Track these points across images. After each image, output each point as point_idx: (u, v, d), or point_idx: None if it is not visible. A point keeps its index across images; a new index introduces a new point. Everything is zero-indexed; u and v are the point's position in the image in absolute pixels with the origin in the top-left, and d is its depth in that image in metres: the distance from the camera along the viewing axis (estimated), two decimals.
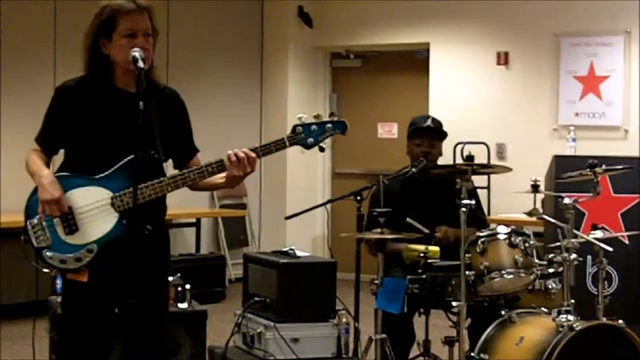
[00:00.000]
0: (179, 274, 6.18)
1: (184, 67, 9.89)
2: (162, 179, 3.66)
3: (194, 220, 9.60)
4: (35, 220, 3.72)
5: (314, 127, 3.68)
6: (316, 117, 3.71)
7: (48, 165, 3.81)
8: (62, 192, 3.66)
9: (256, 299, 6.15)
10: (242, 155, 3.65)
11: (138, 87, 3.49)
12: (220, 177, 3.77)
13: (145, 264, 3.61)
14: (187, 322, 5.95)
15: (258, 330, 5.96)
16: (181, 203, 9.32)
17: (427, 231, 5.14)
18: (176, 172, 3.74)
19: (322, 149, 3.74)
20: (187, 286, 6.06)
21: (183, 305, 6.00)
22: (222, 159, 3.68)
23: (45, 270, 3.75)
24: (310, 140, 3.70)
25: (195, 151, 3.97)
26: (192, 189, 3.87)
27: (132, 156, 3.62)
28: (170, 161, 3.92)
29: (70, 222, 3.68)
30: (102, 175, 3.68)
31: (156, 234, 3.76)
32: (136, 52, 3.56)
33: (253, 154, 3.67)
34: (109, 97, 3.76)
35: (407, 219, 5.12)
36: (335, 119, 3.72)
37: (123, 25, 3.69)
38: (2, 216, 7.60)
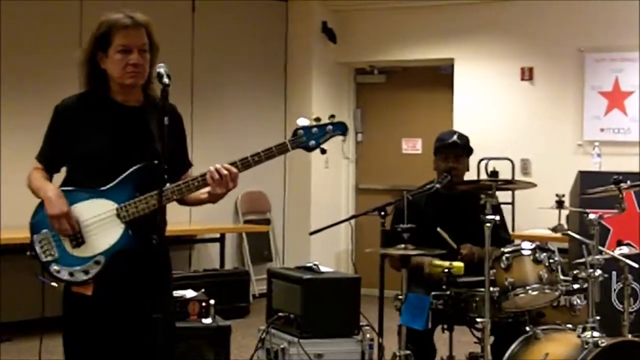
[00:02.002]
0: (203, 289, 6.20)
1: (208, 83, 9.93)
2: (166, 187, 3.65)
3: (218, 235, 9.62)
4: (41, 235, 3.72)
5: (314, 129, 3.67)
6: (316, 119, 3.70)
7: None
8: (69, 206, 3.66)
9: (280, 314, 6.15)
10: (224, 172, 3.62)
11: (163, 102, 3.50)
12: (204, 192, 3.75)
13: (150, 276, 3.62)
14: (211, 337, 5.95)
15: (282, 346, 5.96)
16: (205, 219, 9.37)
17: (454, 245, 5.13)
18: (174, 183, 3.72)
19: (323, 151, 3.71)
20: (212, 301, 6.07)
21: (207, 321, 6.01)
22: (206, 173, 3.66)
23: (54, 284, 3.75)
24: (312, 142, 3.67)
25: (188, 165, 3.97)
26: (181, 203, 3.86)
27: (135, 167, 3.64)
28: None
29: (77, 234, 3.68)
30: (106, 187, 3.68)
31: (160, 246, 3.76)
32: (161, 69, 3.58)
33: (235, 170, 3.64)
34: (109, 111, 3.76)
35: (438, 228, 5.10)
36: (335, 120, 3.70)
37: (118, 40, 3.69)
38: (2, 232, 7.62)
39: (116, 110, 3.77)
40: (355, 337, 5.99)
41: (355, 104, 11.17)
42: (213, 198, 3.74)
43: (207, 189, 3.70)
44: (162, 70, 3.57)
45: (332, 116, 3.74)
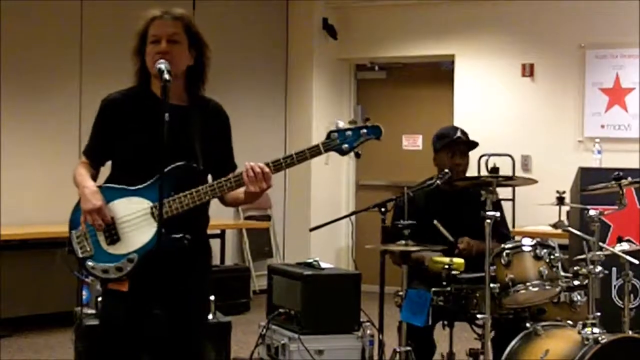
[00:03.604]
0: None
1: (208, 80, 9.90)
2: (193, 189, 3.65)
3: (218, 231, 9.61)
4: (78, 231, 3.76)
5: (348, 132, 3.62)
6: (351, 122, 3.67)
7: (95, 177, 3.85)
8: (103, 202, 3.69)
9: (280, 310, 6.16)
10: (257, 170, 3.61)
11: (163, 98, 3.51)
12: (241, 192, 3.75)
13: (184, 274, 3.63)
14: (212, 333, 5.95)
15: (282, 342, 5.96)
16: None
17: (451, 238, 5.13)
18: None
19: (357, 155, 3.68)
20: (212, 297, 6.06)
21: (208, 317, 6.00)
22: (240, 174, 3.65)
23: (89, 280, 3.80)
24: (345, 146, 3.62)
25: (233, 167, 3.94)
26: (224, 204, 3.89)
27: (171, 167, 3.64)
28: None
29: (112, 232, 3.71)
30: (143, 185, 3.70)
31: (196, 244, 3.77)
32: (162, 64, 3.58)
33: (267, 169, 3.61)
34: (151, 108, 3.75)
35: (434, 221, 5.10)
36: (370, 124, 3.66)
37: (150, 32, 3.75)
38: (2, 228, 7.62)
39: (158, 107, 3.72)
40: (356, 333, 5.99)
41: (355, 100, 11.17)
42: (249, 198, 3.72)
43: (244, 188, 3.69)
44: (162, 66, 3.57)
45: (367, 119, 3.70)
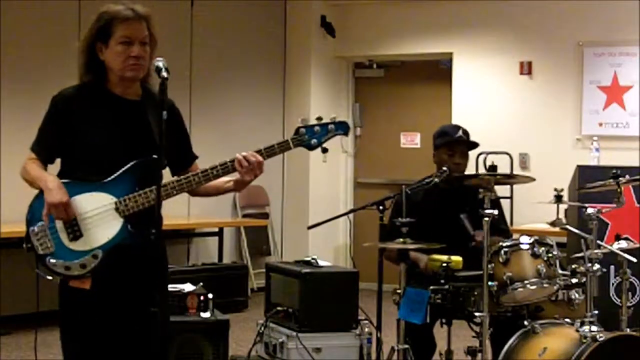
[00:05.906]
0: (201, 283, 6.20)
1: (206, 78, 9.92)
2: (166, 182, 3.64)
3: (216, 229, 9.62)
4: (38, 228, 3.70)
5: (317, 128, 3.73)
6: (318, 119, 3.76)
7: None
8: (69, 197, 3.64)
9: (278, 308, 6.16)
10: (252, 159, 3.66)
11: (161, 96, 3.48)
12: (225, 182, 3.78)
13: (148, 271, 3.61)
14: (210, 331, 5.95)
15: (280, 340, 5.96)
16: (204, 213, 9.37)
17: (472, 232, 5.12)
18: (181, 176, 3.72)
19: (324, 150, 3.76)
20: (210, 295, 6.07)
21: (205, 315, 6.01)
22: (226, 162, 3.66)
23: (49, 277, 3.74)
24: (314, 141, 3.72)
25: (193, 158, 3.97)
26: (193, 194, 3.87)
27: (135, 161, 3.63)
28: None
29: (75, 227, 3.66)
30: (105, 180, 3.67)
31: (157, 241, 3.75)
32: (160, 62, 3.57)
33: (260, 158, 3.68)
34: (107, 104, 3.74)
35: (461, 215, 5.09)
36: (338, 120, 3.76)
37: (120, 32, 3.68)
38: (2, 226, 7.61)
39: (115, 103, 3.75)
40: (354, 331, 5.99)
41: (354, 98, 11.17)
42: (239, 185, 3.76)
43: (227, 178, 3.72)
44: (160, 64, 3.56)
45: (334, 117, 3.78)
